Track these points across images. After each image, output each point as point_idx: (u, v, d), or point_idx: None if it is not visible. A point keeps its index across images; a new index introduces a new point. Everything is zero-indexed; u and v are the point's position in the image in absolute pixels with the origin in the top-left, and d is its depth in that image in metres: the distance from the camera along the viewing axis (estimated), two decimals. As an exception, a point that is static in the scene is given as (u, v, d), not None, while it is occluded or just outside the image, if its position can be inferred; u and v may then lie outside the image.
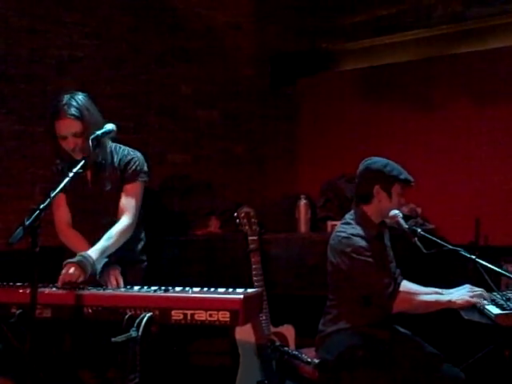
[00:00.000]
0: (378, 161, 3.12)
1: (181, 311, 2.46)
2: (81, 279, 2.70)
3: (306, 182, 5.15)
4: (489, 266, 2.77)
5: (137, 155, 3.06)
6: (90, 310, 2.55)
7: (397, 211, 3.08)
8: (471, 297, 2.88)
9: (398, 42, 5.20)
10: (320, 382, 2.95)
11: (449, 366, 2.96)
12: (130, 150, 3.08)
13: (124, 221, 2.94)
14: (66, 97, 2.89)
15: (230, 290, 2.53)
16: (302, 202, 4.15)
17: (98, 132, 2.80)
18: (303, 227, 4.12)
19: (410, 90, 5.00)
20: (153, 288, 2.64)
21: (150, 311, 2.46)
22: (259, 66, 5.57)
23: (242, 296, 2.42)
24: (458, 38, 4.88)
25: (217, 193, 4.71)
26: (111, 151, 3.03)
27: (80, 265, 2.69)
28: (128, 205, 2.96)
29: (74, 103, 2.86)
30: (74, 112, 2.84)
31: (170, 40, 5.02)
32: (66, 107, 2.85)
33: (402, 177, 3.06)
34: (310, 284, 3.85)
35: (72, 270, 2.68)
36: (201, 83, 5.19)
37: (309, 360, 2.87)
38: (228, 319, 2.41)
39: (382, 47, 5.29)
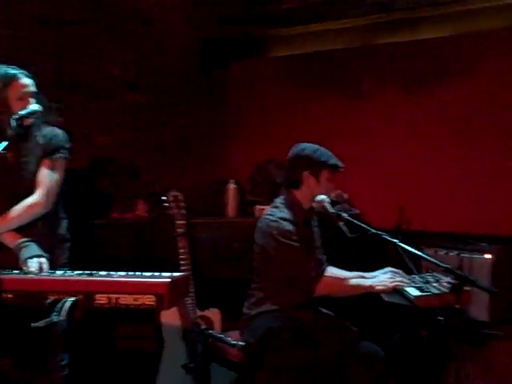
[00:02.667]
0: (307, 147, 3.16)
1: (105, 295, 2.43)
2: None
3: (236, 167, 5.15)
4: (410, 249, 2.84)
5: (59, 132, 3.01)
6: (9, 295, 2.48)
7: (324, 196, 3.13)
8: (392, 282, 2.96)
9: (328, 30, 5.25)
10: (244, 364, 2.99)
11: (369, 344, 3.06)
12: (54, 128, 3.02)
13: (33, 196, 2.88)
14: None
15: (157, 273, 2.52)
16: (231, 186, 4.16)
17: (22, 112, 2.77)
18: (232, 212, 4.13)
19: (339, 77, 5.07)
20: (77, 272, 2.59)
21: (73, 295, 2.41)
22: (191, 49, 5.51)
23: (167, 280, 2.42)
24: (386, 27, 4.97)
25: (145, 176, 4.65)
26: (33, 129, 2.95)
27: None
28: (42, 180, 2.90)
29: None
30: None
31: (98, 19, 4.89)
32: None
33: (330, 162, 3.12)
34: (237, 268, 3.88)
35: None
36: (130, 65, 5.08)
37: (234, 343, 2.90)
38: (153, 303, 2.41)
39: (312, 34, 5.33)
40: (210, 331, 3.10)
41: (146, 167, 4.86)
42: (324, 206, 3.10)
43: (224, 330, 3.49)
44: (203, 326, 3.23)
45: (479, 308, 3.50)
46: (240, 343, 2.90)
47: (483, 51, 4.45)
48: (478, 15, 4.55)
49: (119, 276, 2.51)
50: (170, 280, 2.42)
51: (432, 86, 4.65)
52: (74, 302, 2.40)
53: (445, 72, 4.60)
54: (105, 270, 2.57)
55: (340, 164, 3.15)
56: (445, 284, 2.90)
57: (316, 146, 3.16)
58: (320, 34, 5.30)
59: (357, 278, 3.11)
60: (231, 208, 4.13)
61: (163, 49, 5.32)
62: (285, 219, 3.08)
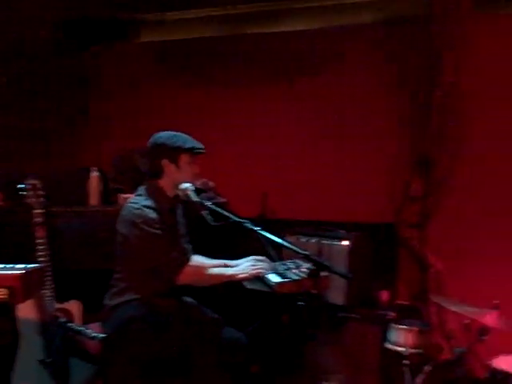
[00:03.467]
0: (163, 135, 3.13)
1: (-49, 289, 2.28)
2: None
3: (102, 154, 5.02)
4: (271, 237, 2.89)
5: None
6: None
7: (188, 184, 3.12)
8: (253, 270, 3.01)
9: (196, 18, 5.23)
10: (101, 356, 2.92)
11: (232, 331, 3.11)
12: None
13: None
14: None
15: (9, 265, 2.40)
16: (94, 174, 4.04)
17: None
18: (94, 200, 4.02)
19: (207, 66, 5.07)
20: None
21: None
22: (51, 29, 5.25)
23: (20, 272, 2.33)
24: (254, 17, 5.04)
25: (1, 163, 4.40)
26: None
27: None
28: None
29: None
30: None
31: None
32: None
33: (186, 146, 3.09)
34: (101, 258, 3.78)
35: None
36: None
37: (93, 335, 2.82)
38: (5, 296, 2.33)
39: (181, 21, 5.29)
40: (69, 324, 3.00)
41: (3, 154, 4.60)
42: (188, 195, 3.09)
43: (85, 322, 3.39)
44: (62, 319, 3.11)
45: (337, 293, 3.66)
46: (100, 335, 2.83)
47: (346, 45, 4.62)
48: (341, 10, 4.73)
49: (-32, 269, 2.37)
50: (22, 272, 2.33)
51: (299, 77, 4.77)
52: None
53: (308, 65, 4.74)
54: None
55: (198, 146, 3.13)
56: (304, 270, 2.99)
57: (172, 133, 3.13)
58: (189, 21, 5.27)
59: (220, 267, 3.14)
60: (93, 196, 4.02)
61: (23, 30, 5.04)
62: (149, 207, 3.04)
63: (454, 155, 4.12)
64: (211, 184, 4.29)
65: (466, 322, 3.10)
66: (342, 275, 2.84)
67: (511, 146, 4.08)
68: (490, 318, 2.97)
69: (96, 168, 4.08)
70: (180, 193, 3.14)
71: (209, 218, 3.01)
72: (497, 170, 4.09)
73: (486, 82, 4.10)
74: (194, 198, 3.09)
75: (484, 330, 3.00)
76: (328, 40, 4.69)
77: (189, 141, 3.12)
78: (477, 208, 4.11)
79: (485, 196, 4.11)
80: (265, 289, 3.00)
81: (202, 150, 3.14)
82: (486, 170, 4.12)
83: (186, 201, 3.16)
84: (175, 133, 3.13)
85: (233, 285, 3.09)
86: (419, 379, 3.22)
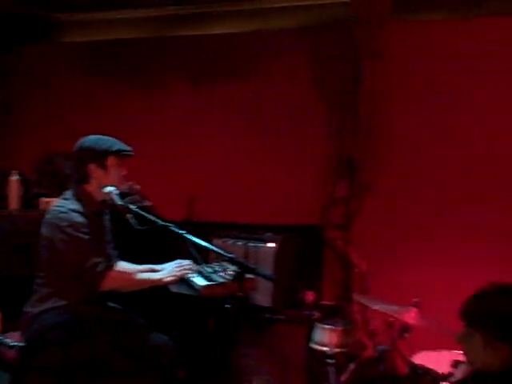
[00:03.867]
0: (88, 139, 3.09)
1: None
2: None
3: (22, 157, 4.86)
4: (196, 240, 2.88)
5: None
6: None
7: (112, 188, 3.07)
8: (179, 271, 3.00)
9: (123, 19, 5.17)
10: (18, 364, 2.83)
11: (158, 336, 3.08)
12: None
13: None
14: None
15: None
16: (14, 177, 3.91)
17: None
18: (14, 204, 3.90)
19: (131, 67, 5.01)
20: None
21: None
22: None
23: None
24: (181, 20, 5.01)
25: None
26: None
27: None
28: None
29: None
30: None
31: None
32: None
33: (113, 149, 3.06)
34: (20, 264, 3.66)
35: None
36: None
37: (12, 344, 2.73)
38: None
39: (106, 22, 5.22)
40: (-14, 334, 2.88)
41: None
42: (111, 198, 3.04)
43: (4, 331, 3.27)
44: (-21, 329, 2.99)
45: (263, 294, 3.68)
46: (19, 344, 2.74)
47: (270, 49, 4.66)
48: (269, 14, 4.76)
49: None
50: None
51: (222, 79, 4.77)
52: None
53: (232, 68, 4.74)
54: None
55: (125, 148, 3.11)
56: (230, 273, 3.00)
57: (98, 136, 3.10)
58: (115, 21, 5.19)
59: (146, 272, 3.10)
60: (13, 200, 3.89)
61: None
62: (75, 211, 2.99)
63: (378, 157, 4.22)
64: (137, 187, 4.23)
65: (389, 320, 3.17)
66: (266, 277, 2.86)
67: (434, 149, 4.20)
68: (410, 316, 3.06)
69: (16, 171, 3.95)
70: (104, 196, 3.08)
71: (133, 221, 2.97)
72: (420, 172, 4.22)
73: (409, 85, 4.23)
74: (118, 201, 3.04)
75: (405, 328, 3.08)
76: (253, 44, 4.71)
77: (116, 143, 3.09)
78: (400, 209, 4.22)
79: (408, 197, 4.22)
80: (191, 292, 2.99)
81: (129, 153, 3.12)
82: (409, 171, 4.24)
83: (111, 205, 3.11)
84: (101, 136, 3.10)
85: (158, 289, 3.06)
86: (344, 377, 3.28)
